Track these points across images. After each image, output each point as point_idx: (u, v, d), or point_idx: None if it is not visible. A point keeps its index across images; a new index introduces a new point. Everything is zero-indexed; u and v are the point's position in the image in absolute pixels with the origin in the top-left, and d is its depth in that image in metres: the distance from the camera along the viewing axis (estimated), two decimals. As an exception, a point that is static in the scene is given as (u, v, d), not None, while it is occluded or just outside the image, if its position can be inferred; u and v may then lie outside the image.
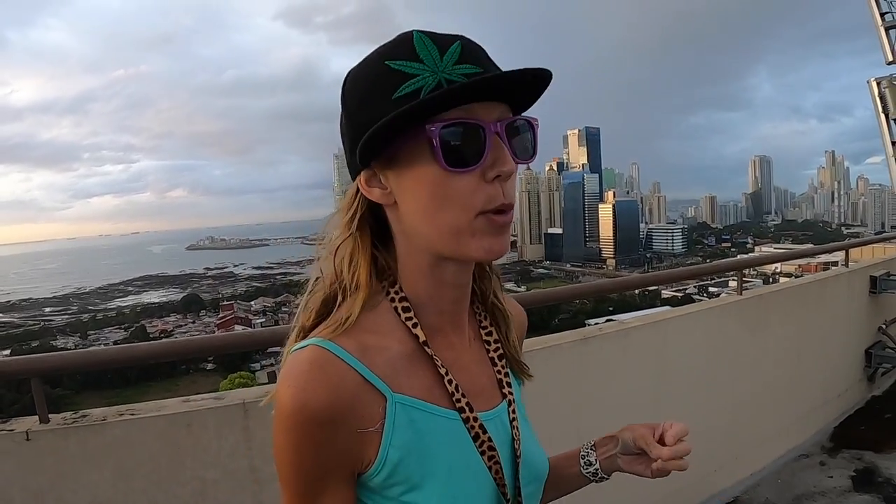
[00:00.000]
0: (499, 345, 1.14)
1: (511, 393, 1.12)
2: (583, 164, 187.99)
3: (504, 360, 1.14)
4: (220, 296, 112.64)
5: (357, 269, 0.99)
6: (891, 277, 6.69)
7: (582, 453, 1.26)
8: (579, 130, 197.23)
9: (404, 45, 0.90)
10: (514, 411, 1.10)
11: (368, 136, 0.88)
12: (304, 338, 0.97)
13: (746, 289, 5.17)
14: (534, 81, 0.94)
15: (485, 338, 1.14)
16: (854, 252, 7.55)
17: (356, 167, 0.96)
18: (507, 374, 1.13)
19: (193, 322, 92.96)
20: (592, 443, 1.25)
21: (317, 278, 1.04)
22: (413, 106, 0.85)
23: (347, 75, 0.97)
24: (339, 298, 1.00)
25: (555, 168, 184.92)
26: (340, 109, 0.98)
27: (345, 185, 1.05)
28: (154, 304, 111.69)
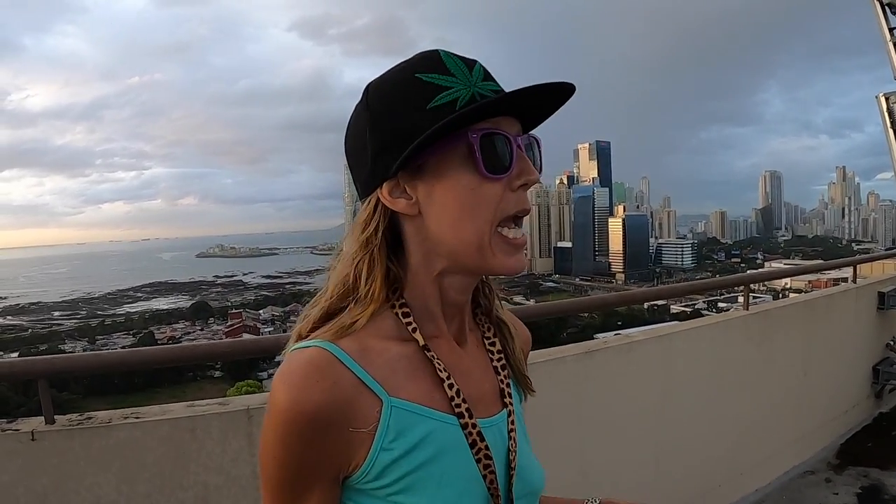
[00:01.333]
0: (502, 355, 1.15)
1: (511, 403, 1.12)
2: (593, 178, 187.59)
3: (507, 371, 1.14)
4: (229, 304, 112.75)
5: (373, 281, 0.99)
6: (898, 294, 6.66)
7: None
8: (590, 144, 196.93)
9: (433, 61, 0.96)
10: (513, 422, 1.10)
11: (418, 143, 0.91)
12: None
13: (755, 304, 5.16)
14: (558, 96, 0.98)
15: (488, 347, 1.15)
16: (864, 268, 7.53)
17: (379, 178, 0.98)
18: (508, 385, 1.13)
19: (202, 329, 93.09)
20: (598, 500, 1.24)
21: (322, 290, 1.05)
22: (466, 112, 0.90)
23: (369, 87, 1.00)
24: (345, 304, 1.01)
25: (565, 182, 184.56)
26: (356, 122, 1.01)
27: (356, 195, 1.06)
28: (163, 310, 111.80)
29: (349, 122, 1.03)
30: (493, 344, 1.16)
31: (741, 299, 5.05)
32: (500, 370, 1.13)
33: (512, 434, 1.09)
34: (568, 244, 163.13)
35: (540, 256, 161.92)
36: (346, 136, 1.04)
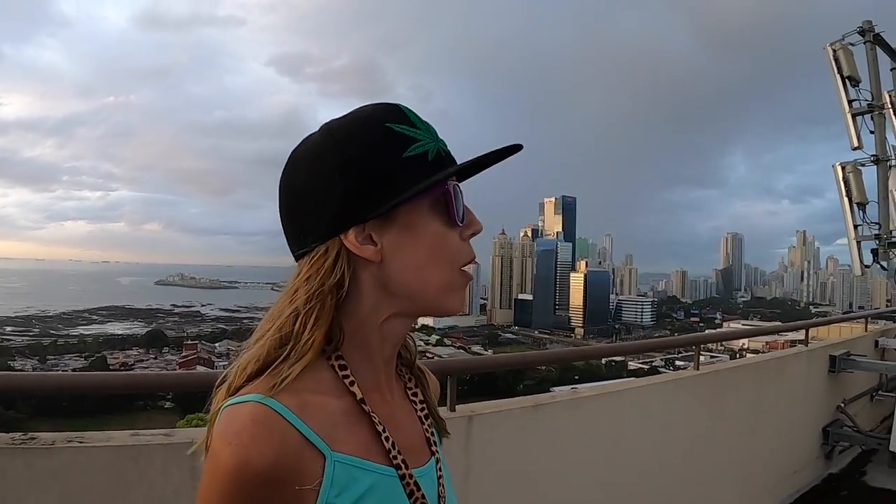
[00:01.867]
0: (424, 404, 1.18)
1: (438, 451, 1.15)
2: (557, 233, 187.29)
3: (430, 420, 1.18)
4: (185, 334, 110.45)
5: (316, 332, 0.97)
6: (850, 357, 6.79)
7: None
8: (556, 199, 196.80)
9: (399, 113, 1.01)
10: (440, 469, 1.13)
11: (416, 191, 0.96)
12: (233, 395, 0.96)
13: (711, 363, 5.22)
14: (496, 159, 1.06)
15: (411, 397, 1.18)
16: (822, 330, 7.68)
17: (349, 222, 0.98)
18: (433, 434, 1.17)
19: (155, 358, 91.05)
20: None
21: (255, 339, 1.02)
22: (458, 167, 1.01)
23: (334, 128, 1.02)
24: (280, 356, 0.98)
25: (529, 235, 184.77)
26: (319, 161, 1.00)
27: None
28: (117, 335, 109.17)
29: (298, 164, 1.02)
30: (415, 394, 1.19)
31: (701, 358, 5.12)
32: (423, 420, 1.17)
33: (441, 481, 1.12)
34: (529, 297, 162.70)
35: (500, 307, 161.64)
36: (296, 174, 1.03)
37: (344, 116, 1.03)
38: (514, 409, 3.64)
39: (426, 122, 1.03)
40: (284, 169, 1.05)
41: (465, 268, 1.05)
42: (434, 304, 1.03)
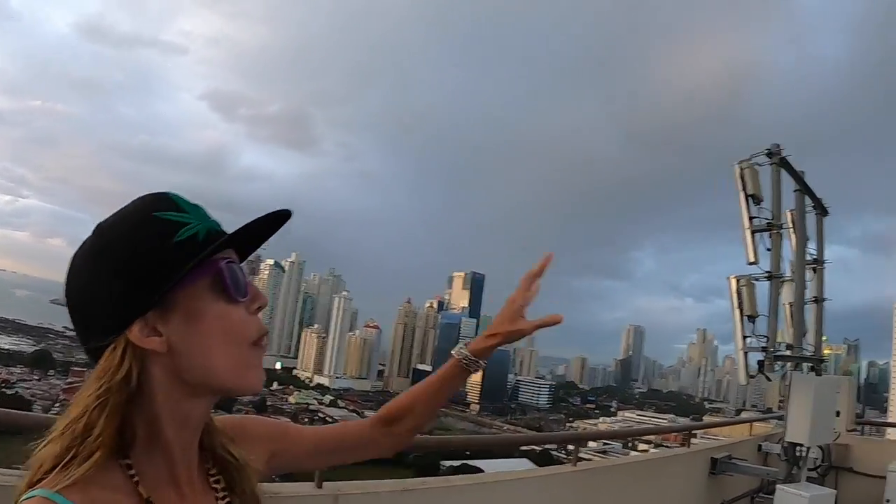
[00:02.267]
0: (226, 493, 1.15)
1: None
2: (463, 307, 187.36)
3: None
4: (74, 360, 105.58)
5: (105, 430, 0.96)
6: (732, 460, 6.97)
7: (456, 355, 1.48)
8: (465, 274, 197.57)
9: (166, 201, 1.03)
10: None
11: (184, 272, 0.96)
12: (30, 488, 0.93)
13: (597, 454, 5.29)
14: (278, 224, 1.08)
15: (213, 485, 1.14)
16: (715, 429, 7.89)
17: (131, 317, 0.97)
18: None
19: (39, 380, 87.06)
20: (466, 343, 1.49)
21: (53, 430, 0.99)
22: (221, 242, 1.01)
23: (103, 229, 1.03)
24: (73, 453, 0.95)
25: (435, 306, 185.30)
26: (92, 264, 1.01)
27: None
28: (3, 350, 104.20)
29: (76, 267, 1.02)
30: (217, 482, 1.15)
31: (592, 444, 5.16)
32: None
33: None
34: (428, 368, 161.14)
35: (398, 375, 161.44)
36: (76, 277, 1.02)
37: (114, 214, 1.04)
38: (382, 493, 3.55)
39: (196, 205, 1.05)
40: (67, 273, 1.04)
41: (258, 342, 1.06)
42: (231, 385, 1.03)
